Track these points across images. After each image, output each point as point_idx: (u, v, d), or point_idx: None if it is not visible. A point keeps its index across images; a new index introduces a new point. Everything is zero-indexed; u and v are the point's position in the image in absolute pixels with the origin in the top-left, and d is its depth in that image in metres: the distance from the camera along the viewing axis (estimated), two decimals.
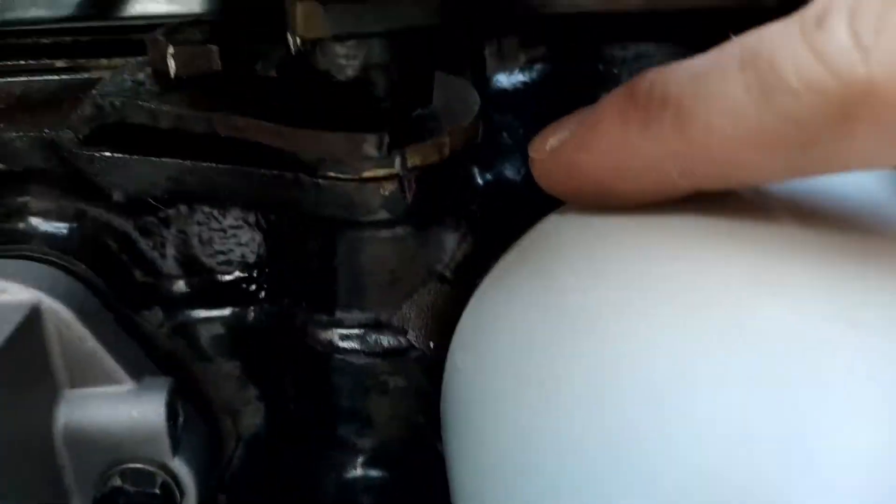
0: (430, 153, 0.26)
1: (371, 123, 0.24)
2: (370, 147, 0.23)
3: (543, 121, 0.32)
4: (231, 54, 0.26)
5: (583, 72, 0.32)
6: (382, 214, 0.26)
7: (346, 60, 0.25)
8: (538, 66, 0.33)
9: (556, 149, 0.21)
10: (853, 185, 0.22)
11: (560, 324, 0.21)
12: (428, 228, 0.27)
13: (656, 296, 0.19)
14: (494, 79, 0.33)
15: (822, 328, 0.16)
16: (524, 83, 0.33)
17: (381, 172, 0.25)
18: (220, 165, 0.25)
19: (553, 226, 0.24)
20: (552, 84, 0.33)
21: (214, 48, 0.25)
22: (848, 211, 0.20)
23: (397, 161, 0.25)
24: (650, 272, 0.20)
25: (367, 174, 0.25)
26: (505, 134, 0.30)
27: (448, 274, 0.28)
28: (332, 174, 0.25)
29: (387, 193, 0.25)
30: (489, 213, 0.28)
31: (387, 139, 0.23)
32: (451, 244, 0.28)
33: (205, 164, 0.25)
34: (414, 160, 0.25)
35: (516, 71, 0.33)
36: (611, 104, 0.19)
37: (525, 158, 0.30)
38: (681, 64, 0.18)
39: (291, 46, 0.26)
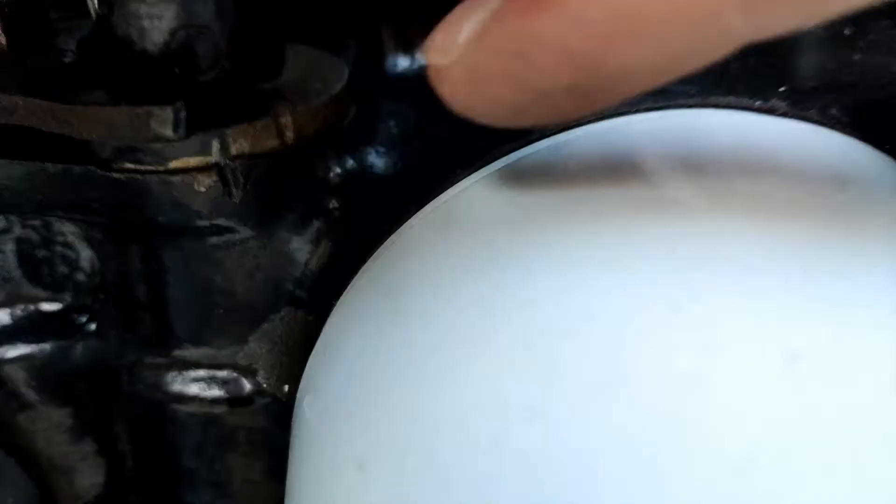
0: (266, 137, 0.20)
1: (167, 95, 0.18)
2: (160, 124, 0.17)
3: (447, 114, 0.26)
4: (20, 24, 0.20)
5: None
6: (204, 217, 0.20)
7: (150, 22, 0.19)
8: None
9: (481, 34, 0.13)
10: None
11: (402, 361, 0.16)
12: (271, 235, 0.21)
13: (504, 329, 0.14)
14: (392, 61, 0.27)
15: None
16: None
17: (194, 161, 0.19)
18: None
19: (415, 228, 0.19)
20: None
21: None
22: None
23: (215, 146, 0.19)
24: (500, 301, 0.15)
25: (174, 164, 0.19)
26: (392, 122, 0.24)
27: (303, 294, 0.22)
28: (129, 166, 0.19)
29: (203, 189, 0.19)
30: (350, 209, 0.22)
31: (183, 112, 0.18)
32: (301, 255, 0.22)
33: None
34: (241, 145, 0.20)
35: (419, 54, 0.27)
36: None
37: (407, 149, 0.24)
38: None
39: (91, 10, 0.20)
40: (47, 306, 0.25)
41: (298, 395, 0.21)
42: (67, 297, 0.25)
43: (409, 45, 0.28)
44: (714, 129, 0.18)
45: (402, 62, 0.28)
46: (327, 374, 0.19)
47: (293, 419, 0.21)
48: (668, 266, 0.14)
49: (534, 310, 0.14)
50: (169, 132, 0.18)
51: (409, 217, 0.19)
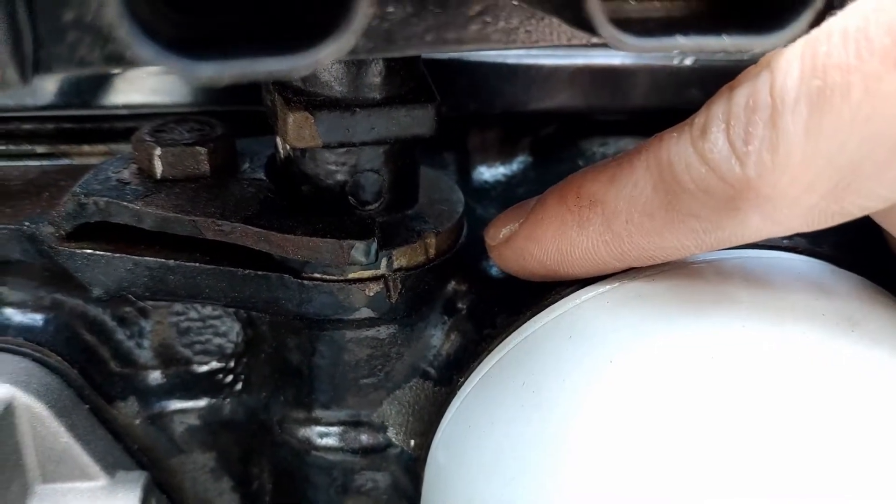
0: (416, 254, 0.26)
1: (360, 229, 0.24)
2: (359, 254, 0.23)
3: None
4: (218, 155, 0.26)
5: (563, 165, 0.33)
6: (366, 313, 0.26)
7: (335, 166, 0.25)
8: (519, 159, 0.34)
9: (508, 238, 0.25)
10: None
11: (540, 437, 0.22)
12: (413, 326, 0.27)
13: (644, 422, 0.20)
14: (476, 171, 0.33)
15: None
16: (505, 175, 0.34)
17: (366, 274, 0.25)
18: (202, 265, 0.25)
19: (541, 331, 0.25)
20: (533, 177, 0.34)
21: (202, 150, 0.25)
22: None
23: (383, 263, 0.25)
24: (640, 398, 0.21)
25: (352, 275, 0.25)
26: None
27: (432, 371, 0.28)
28: (317, 275, 0.25)
29: (371, 294, 0.25)
30: (474, 310, 0.28)
31: (375, 246, 0.24)
32: (436, 341, 0.28)
33: (187, 264, 0.25)
34: (400, 261, 0.26)
35: (497, 164, 0.34)
36: (549, 206, 0.23)
37: None
38: (602, 167, 0.22)
39: (280, 151, 0.26)
40: (197, 368, 0.31)
41: (433, 446, 0.27)
42: (214, 361, 0.31)
43: (488, 155, 0.34)
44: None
45: (485, 171, 0.34)
46: (461, 436, 0.25)
47: (426, 466, 0.27)
48: None
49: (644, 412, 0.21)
50: (364, 259, 0.24)
51: (523, 320, 0.25)
